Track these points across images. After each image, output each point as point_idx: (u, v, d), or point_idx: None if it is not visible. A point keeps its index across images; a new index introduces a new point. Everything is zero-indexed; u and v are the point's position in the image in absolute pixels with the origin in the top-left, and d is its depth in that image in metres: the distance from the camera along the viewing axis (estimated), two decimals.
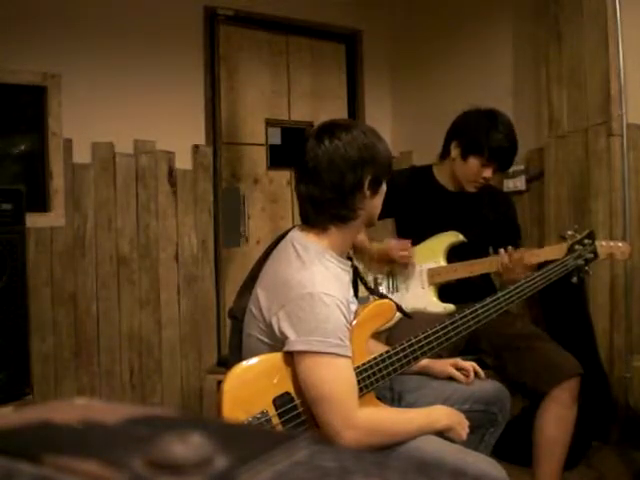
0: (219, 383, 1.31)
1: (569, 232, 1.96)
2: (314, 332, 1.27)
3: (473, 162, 2.06)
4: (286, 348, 1.30)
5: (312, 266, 1.34)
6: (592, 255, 1.91)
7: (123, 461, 0.30)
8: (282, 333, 1.31)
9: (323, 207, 1.38)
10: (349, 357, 1.30)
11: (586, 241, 1.91)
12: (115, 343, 3.15)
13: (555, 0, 2.84)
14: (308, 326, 1.27)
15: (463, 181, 2.12)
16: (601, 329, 2.62)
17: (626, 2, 2.58)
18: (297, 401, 1.30)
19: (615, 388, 2.57)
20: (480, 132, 2.04)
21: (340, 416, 1.25)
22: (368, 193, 1.39)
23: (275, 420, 1.28)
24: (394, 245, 2.07)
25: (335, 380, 1.27)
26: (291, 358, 1.31)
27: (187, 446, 0.30)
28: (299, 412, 1.30)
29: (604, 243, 1.97)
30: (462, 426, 1.40)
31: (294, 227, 1.48)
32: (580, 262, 1.88)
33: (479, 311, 1.59)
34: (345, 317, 1.32)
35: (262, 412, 1.27)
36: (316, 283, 1.30)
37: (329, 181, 1.35)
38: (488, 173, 2.06)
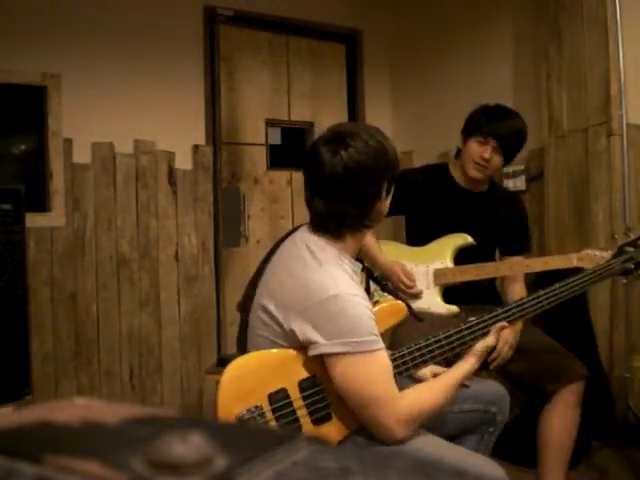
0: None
1: (619, 233, 1.88)
2: (349, 333, 1.26)
3: (472, 143, 2.09)
4: (316, 352, 1.28)
5: (330, 267, 1.32)
6: None
7: (123, 461, 0.30)
8: (307, 338, 1.28)
9: (344, 221, 1.36)
10: (383, 348, 1.30)
11: (639, 243, 1.77)
12: (115, 343, 3.15)
13: (555, 0, 2.84)
14: (340, 328, 1.26)
15: (466, 166, 2.11)
16: (601, 329, 2.62)
17: (626, 2, 2.57)
18: (292, 398, 1.30)
19: (615, 388, 2.57)
20: (477, 114, 2.12)
21: (390, 416, 1.26)
22: (383, 196, 1.39)
23: (269, 415, 1.28)
24: (398, 270, 2.06)
25: (377, 377, 1.28)
26: (293, 354, 1.31)
27: (187, 446, 0.30)
28: (293, 409, 1.30)
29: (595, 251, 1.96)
30: (484, 354, 1.46)
31: (302, 227, 1.46)
32: (629, 265, 1.74)
33: (511, 311, 1.57)
34: (371, 310, 1.32)
35: (256, 406, 1.27)
36: (338, 284, 1.29)
37: (349, 195, 1.33)
38: (487, 152, 2.05)
